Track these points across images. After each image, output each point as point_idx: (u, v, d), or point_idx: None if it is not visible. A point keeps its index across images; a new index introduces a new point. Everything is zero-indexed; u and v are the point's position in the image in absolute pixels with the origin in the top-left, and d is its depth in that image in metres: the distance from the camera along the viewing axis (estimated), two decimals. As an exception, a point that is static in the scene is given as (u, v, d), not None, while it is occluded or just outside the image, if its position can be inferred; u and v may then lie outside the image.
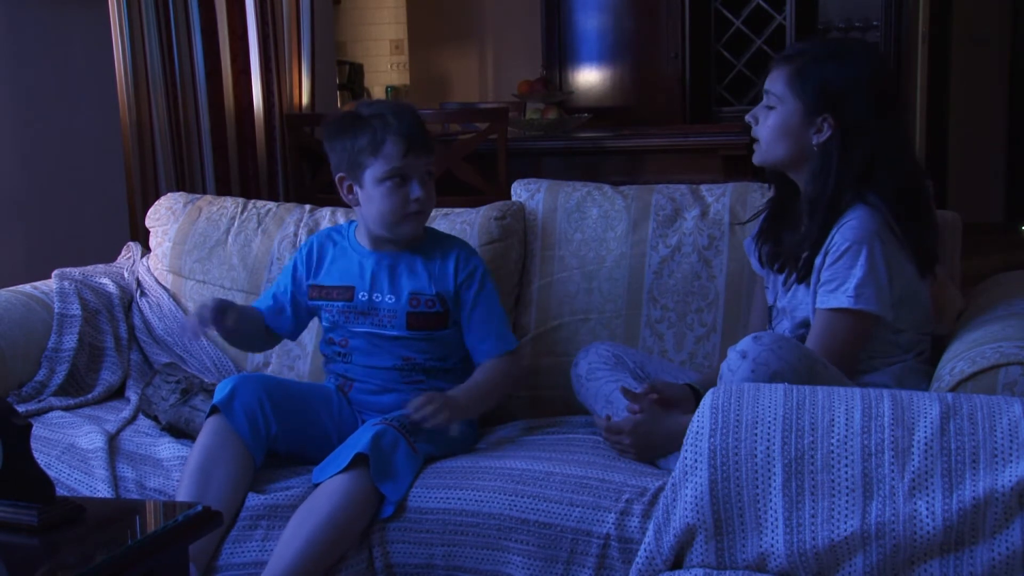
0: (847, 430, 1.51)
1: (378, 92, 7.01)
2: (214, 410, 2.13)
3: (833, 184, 2.01)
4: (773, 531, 1.50)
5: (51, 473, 1.87)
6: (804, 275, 2.06)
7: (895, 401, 1.53)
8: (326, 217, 2.73)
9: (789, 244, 2.12)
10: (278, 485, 2.12)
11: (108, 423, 2.39)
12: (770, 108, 2.08)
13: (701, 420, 1.57)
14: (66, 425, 2.38)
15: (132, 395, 2.57)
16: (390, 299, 2.26)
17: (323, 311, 2.33)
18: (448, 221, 2.60)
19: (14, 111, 3.35)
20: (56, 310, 2.65)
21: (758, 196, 2.47)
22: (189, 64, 3.71)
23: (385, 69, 7.13)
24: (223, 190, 3.84)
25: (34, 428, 1.70)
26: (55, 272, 2.77)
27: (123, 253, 3.00)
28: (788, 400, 1.55)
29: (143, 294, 2.82)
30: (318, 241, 2.38)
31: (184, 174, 3.71)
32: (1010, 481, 1.43)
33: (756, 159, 2.13)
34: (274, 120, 4.08)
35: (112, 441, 2.28)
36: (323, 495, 2.00)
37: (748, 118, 2.13)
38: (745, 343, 1.81)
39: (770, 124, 2.08)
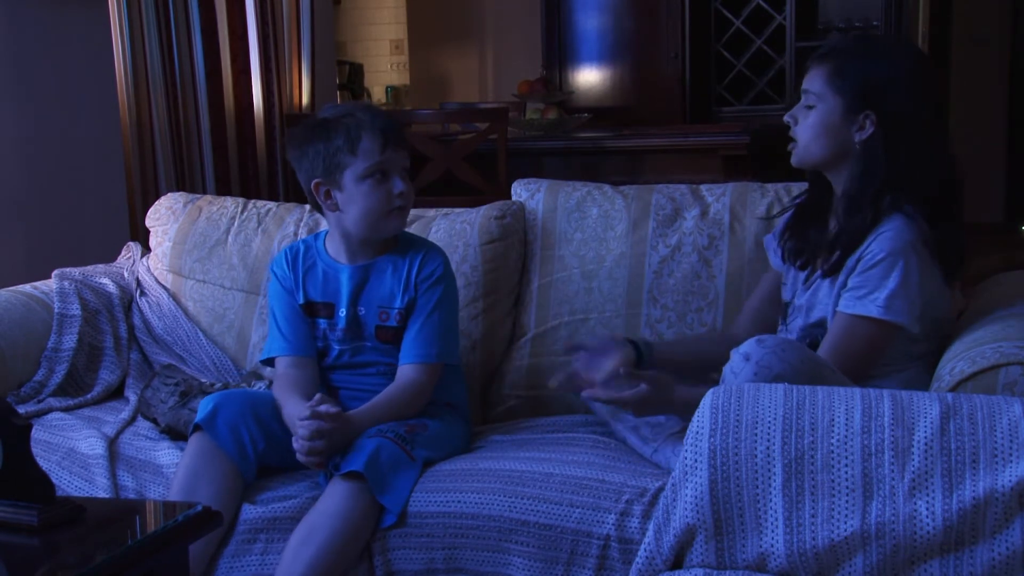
0: (847, 430, 1.50)
1: (378, 92, 7.02)
2: (196, 428, 2.10)
3: (878, 181, 1.98)
4: (773, 531, 1.50)
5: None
6: (831, 271, 2.03)
7: (895, 401, 1.53)
8: (326, 217, 2.73)
9: (816, 241, 2.10)
10: (275, 495, 2.09)
11: (107, 425, 2.39)
12: (809, 107, 2.05)
13: (701, 420, 1.56)
14: (66, 428, 2.38)
15: (131, 395, 2.56)
16: (362, 311, 2.24)
17: None
18: (448, 221, 2.60)
19: (14, 111, 3.35)
20: (56, 310, 2.65)
21: (758, 196, 2.47)
22: (189, 64, 3.71)
23: (385, 69, 7.13)
24: (223, 190, 3.84)
25: (33, 431, 1.69)
26: (55, 272, 2.77)
27: (123, 253, 3.00)
28: (788, 400, 1.55)
29: (143, 294, 2.82)
30: (290, 257, 2.30)
31: (184, 174, 3.71)
32: (1010, 481, 1.43)
33: (794, 160, 2.10)
34: (274, 120, 4.08)
35: (112, 445, 2.28)
36: (323, 517, 1.97)
37: (787, 118, 2.10)
38: (748, 345, 1.79)
39: (810, 123, 2.05)
